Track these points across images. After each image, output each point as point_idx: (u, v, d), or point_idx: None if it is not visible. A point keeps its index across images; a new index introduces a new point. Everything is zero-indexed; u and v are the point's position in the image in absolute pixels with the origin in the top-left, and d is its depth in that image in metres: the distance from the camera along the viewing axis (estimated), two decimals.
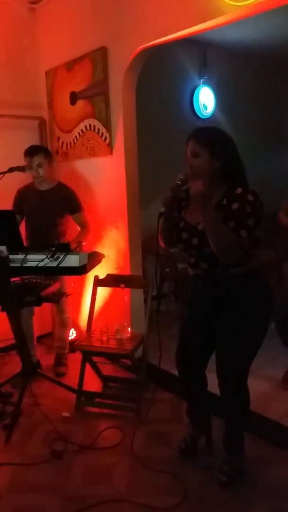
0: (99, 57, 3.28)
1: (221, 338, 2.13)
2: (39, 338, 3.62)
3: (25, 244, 3.22)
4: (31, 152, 3.27)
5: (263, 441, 2.49)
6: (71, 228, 3.44)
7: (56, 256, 2.49)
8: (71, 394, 2.98)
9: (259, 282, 2.11)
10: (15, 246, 2.59)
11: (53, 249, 2.52)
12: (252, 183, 2.04)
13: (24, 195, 3.40)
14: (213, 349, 2.21)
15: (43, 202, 3.32)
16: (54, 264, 2.50)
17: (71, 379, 3.18)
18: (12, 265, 2.55)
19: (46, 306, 3.51)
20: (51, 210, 3.32)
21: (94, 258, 2.76)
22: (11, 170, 3.03)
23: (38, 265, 2.51)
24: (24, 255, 2.53)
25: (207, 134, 2.06)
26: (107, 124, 3.34)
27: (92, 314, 3.17)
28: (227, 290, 2.07)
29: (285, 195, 3.81)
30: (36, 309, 3.32)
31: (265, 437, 2.52)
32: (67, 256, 2.50)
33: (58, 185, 3.43)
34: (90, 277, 3.27)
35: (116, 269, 3.48)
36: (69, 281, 3.41)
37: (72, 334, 3.74)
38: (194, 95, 5.05)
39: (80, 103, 3.56)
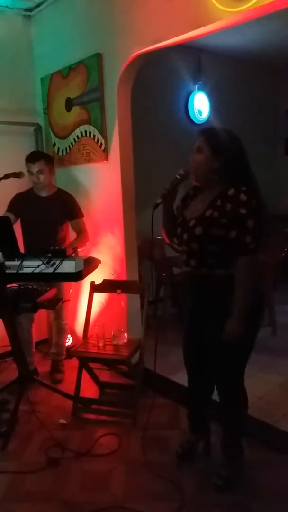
0: (94, 63, 3.30)
1: (211, 341, 2.12)
2: (35, 344, 3.60)
3: (24, 250, 3.21)
4: (32, 158, 3.27)
5: (260, 445, 2.49)
6: (71, 234, 3.43)
7: (52, 262, 2.49)
8: (68, 401, 2.96)
9: None
10: (11, 252, 2.59)
11: (49, 255, 2.52)
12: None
13: (23, 200, 3.37)
14: None
15: (44, 209, 3.31)
16: (50, 270, 2.49)
17: (68, 385, 3.16)
18: (7, 271, 2.54)
19: (42, 312, 3.50)
20: (52, 216, 3.31)
21: (90, 264, 2.76)
22: (6, 176, 3.04)
23: (34, 271, 2.51)
24: (20, 262, 2.53)
25: (215, 134, 2.06)
26: (102, 130, 3.35)
27: (89, 320, 3.16)
28: (212, 290, 2.07)
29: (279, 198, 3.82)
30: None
31: (262, 441, 2.52)
32: (63, 262, 2.49)
33: (58, 191, 3.43)
34: (86, 283, 3.26)
35: (112, 274, 3.47)
36: (67, 287, 3.41)
37: (68, 340, 3.72)
38: (189, 101, 5.08)
39: (75, 109, 3.57)
